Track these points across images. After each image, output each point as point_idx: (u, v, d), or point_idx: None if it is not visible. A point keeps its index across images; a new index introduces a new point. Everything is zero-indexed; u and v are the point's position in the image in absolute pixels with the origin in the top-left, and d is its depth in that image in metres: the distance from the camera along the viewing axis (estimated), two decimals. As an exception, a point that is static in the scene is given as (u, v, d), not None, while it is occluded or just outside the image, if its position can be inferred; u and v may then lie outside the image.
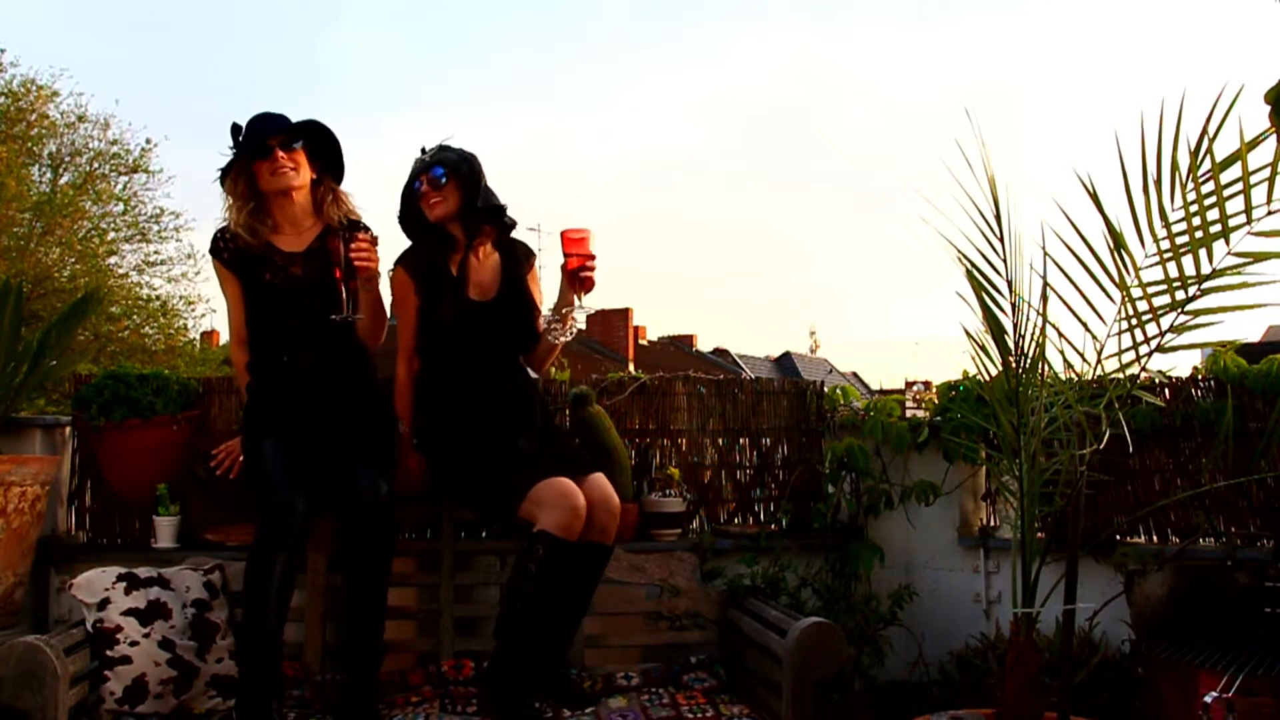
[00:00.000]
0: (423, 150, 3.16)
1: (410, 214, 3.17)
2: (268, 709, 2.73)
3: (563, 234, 3.04)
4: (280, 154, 3.02)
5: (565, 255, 3.03)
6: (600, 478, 3.05)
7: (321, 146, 3.14)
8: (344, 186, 3.20)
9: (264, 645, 2.76)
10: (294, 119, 3.06)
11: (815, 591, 3.60)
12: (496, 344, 3.16)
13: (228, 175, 3.07)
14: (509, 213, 3.20)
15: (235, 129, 3.04)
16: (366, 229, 3.14)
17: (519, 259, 3.26)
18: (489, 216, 3.15)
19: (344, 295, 2.91)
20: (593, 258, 3.03)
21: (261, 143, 3.01)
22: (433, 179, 3.09)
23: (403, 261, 3.16)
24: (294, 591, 2.84)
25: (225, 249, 3.08)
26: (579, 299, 3.06)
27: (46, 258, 14.94)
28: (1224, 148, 2.38)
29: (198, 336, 17.92)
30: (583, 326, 3.19)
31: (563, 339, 3.15)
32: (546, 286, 3.29)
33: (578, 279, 3.03)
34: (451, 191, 3.10)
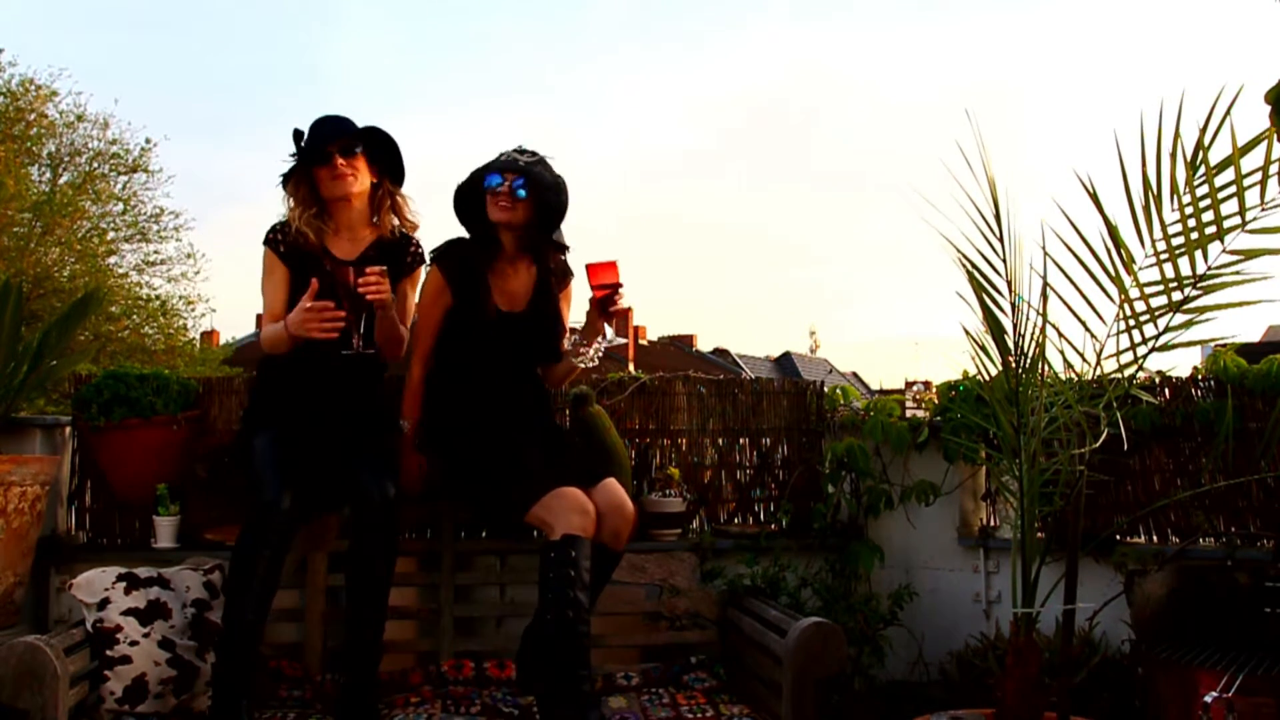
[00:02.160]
0: (520, 150, 3.10)
1: (471, 200, 3.12)
2: (238, 707, 2.71)
3: (588, 266, 3.00)
4: (340, 160, 3.05)
5: (592, 286, 3.00)
6: (612, 483, 3.03)
7: (381, 151, 3.16)
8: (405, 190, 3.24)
9: (241, 639, 2.74)
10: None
11: (815, 591, 3.60)
12: (518, 355, 3.16)
13: (289, 180, 3.11)
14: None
15: (298, 135, 3.07)
16: (417, 244, 3.20)
17: (555, 275, 3.22)
18: (545, 245, 3.15)
19: (354, 329, 2.96)
20: (620, 286, 3.00)
21: (321, 150, 3.04)
22: (514, 186, 3.04)
23: (439, 261, 3.14)
24: (277, 588, 2.82)
25: (281, 242, 3.10)
26: (608, 328, 3.06)
27: (46, 257, 14.93)
28: (1221, 148, 2.38)
29: (198, 336, 17.91)
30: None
31: (586, 364, 3.15)
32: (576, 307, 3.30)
33: (605, 310, 3.02)
34: (524, 208, 3.06)
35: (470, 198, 3.13)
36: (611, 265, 2.99)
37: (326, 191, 3.09)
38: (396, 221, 3.20)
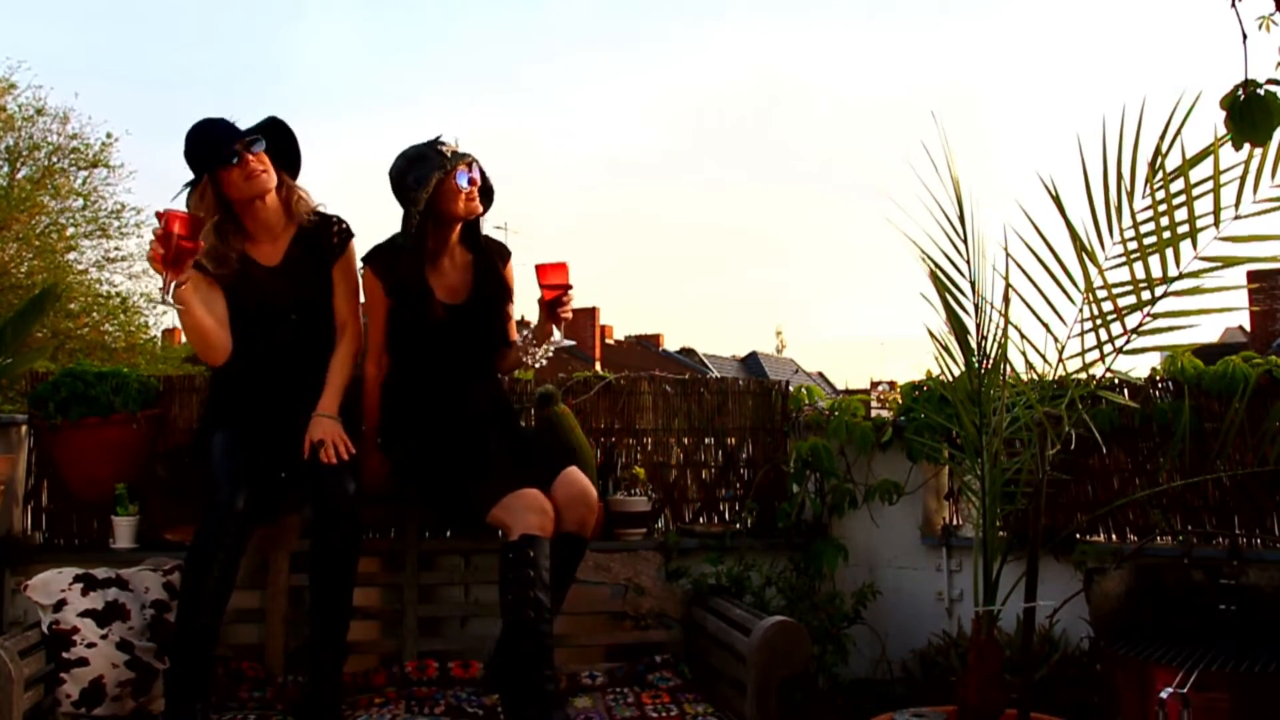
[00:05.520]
0: (454, 143, 3.05)
1: (422, 199, 2.97)
2: (192, 710, 2.67)
3: (537, 267, 2.99)
4: (250, 158, 2.90)
5: (541, 287, 2.99)
6: (574, 472, 3.03)
7: (279, 144, 3.03)
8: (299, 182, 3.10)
9: (195, 643, 2.70)
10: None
11: (780, 590, 3.61)
12: (469, 348, 3.14)
13: (192, 191, 2.92)
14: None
15: (189, 140, 2.91)
16: (339, 221, 3.10)
17: (492, 259, 3.20)
18: (478, 231, 3.17)
19: (166, 283, 2.65)
20: (569, 288, 3.00)
21: (230, 149, 2.88)
22: (473, 179, 3.04)
23: (371, 262, 3.09)
24: (233, 590, 2.78)
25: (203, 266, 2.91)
26: (557, 330, 3.04)
27: (3, 253, 14.70)
28: (1188, 150, 2.41)
29: (159, 334, 17.72)
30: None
31: (534, 364, 3.14)
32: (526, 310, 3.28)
33: (554, 312, 3.01)
34: (479, 200, 3.11)
35: (406, 187, 3.01)
36: (561, 266, 2.99)
37: (240, 194, 2.92)
38: (306, 212, 3.07)
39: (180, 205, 2.90)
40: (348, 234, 3.12)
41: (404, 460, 3.09)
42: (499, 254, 3.23)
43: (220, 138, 2.90)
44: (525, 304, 3.28)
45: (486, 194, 3.14)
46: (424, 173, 2.97)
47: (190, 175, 2.94)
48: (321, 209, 3.13)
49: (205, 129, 2.92)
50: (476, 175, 3.05)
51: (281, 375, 3.00)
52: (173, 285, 2.65)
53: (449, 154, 3.01)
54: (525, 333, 3.13)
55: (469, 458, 2.99)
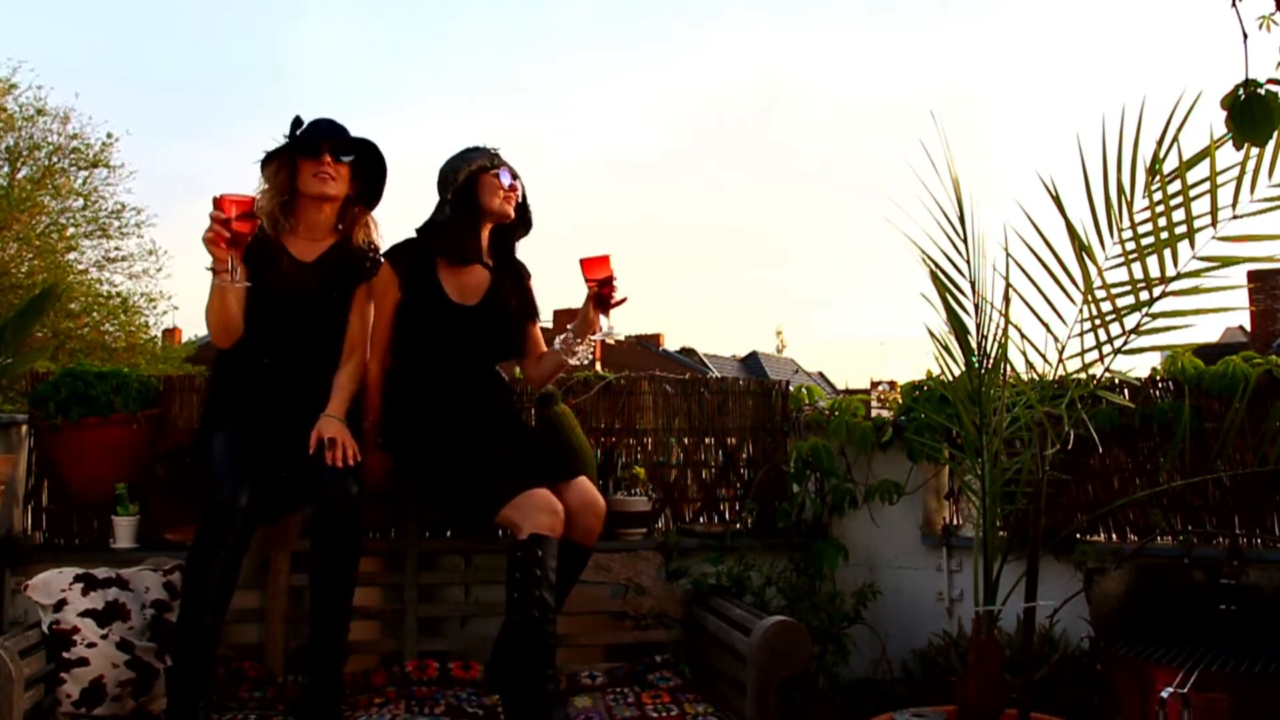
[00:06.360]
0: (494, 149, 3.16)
1: (463, 189, 3.09)
2: (194, 710, 2.67)
3: (582, 260, 3.05)
4: (328, 159, 2.99)
5: (586, 280, 3.06)
6: (584, 481, 3.05)
7: (367, 168, 3.11)
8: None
9: (197, 643, 2.70)
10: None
11: (780, 590, 3.61)
12: (474, 349, 3.14)
13: (270, 162, 3.03)
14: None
15: (296, 122, 3.01)
16: (377, 251, 3.13)
17: (513, 271, 3.25)
18: (508, 238, 3.24)
19: (228, 267, 2.76)
20: (614, 279, 3.06)
21: (315, 143, 2.98)
22: (514, 185, 3.13)
23: (390, 256, 3.12)
24: (235, 589, 2.78)
25: None
26: (606, 320, 3.09)
27: (3, 253, 14.70)
28: (1187, 150, 2.41)
29: (159, 334, 17.72)
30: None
31: (580, 361, 3.18)
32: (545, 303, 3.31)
33: (605, 303, 3.06)
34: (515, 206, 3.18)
35: (464, 196, 3.09)
36: (604, 259, 3.05)
37: (304, 186, 3.01)
38: (363, 238, 3.13)
39: (239, 187, 2.99)
40: (379, 264, 3.14)
41: (408, 460, 3.09)
42: (520, 271, 3.28)
43: (319, 133, 3.01)
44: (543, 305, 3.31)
45: (524, 214, 3.22)
46: (472, 156, 3.10)
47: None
48: (376, 245, 3.16)
49: (315, 122, 3.03)
50: (519, 185, 3.15)
51: (285, 372, 3.00)
52: (237, 267, 2.78)
53: (495, 153, 3.13)
54: (568, 330, 3.16)
55: (477, 458, 2.99)
